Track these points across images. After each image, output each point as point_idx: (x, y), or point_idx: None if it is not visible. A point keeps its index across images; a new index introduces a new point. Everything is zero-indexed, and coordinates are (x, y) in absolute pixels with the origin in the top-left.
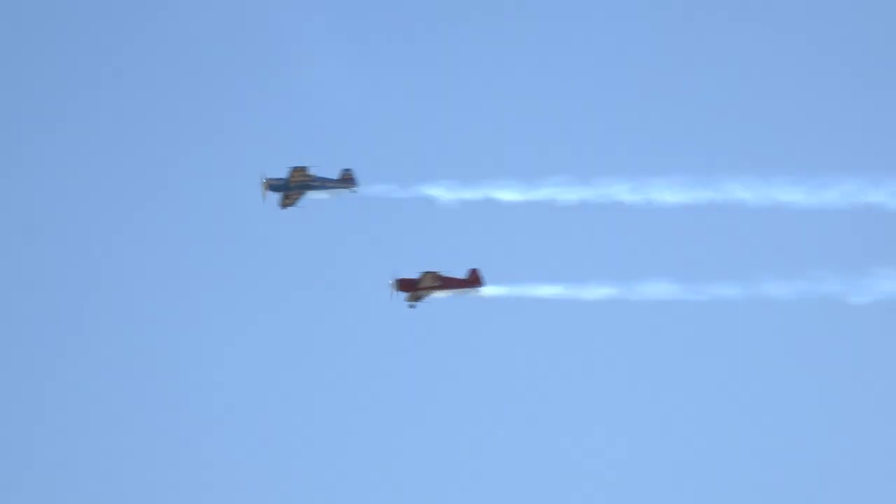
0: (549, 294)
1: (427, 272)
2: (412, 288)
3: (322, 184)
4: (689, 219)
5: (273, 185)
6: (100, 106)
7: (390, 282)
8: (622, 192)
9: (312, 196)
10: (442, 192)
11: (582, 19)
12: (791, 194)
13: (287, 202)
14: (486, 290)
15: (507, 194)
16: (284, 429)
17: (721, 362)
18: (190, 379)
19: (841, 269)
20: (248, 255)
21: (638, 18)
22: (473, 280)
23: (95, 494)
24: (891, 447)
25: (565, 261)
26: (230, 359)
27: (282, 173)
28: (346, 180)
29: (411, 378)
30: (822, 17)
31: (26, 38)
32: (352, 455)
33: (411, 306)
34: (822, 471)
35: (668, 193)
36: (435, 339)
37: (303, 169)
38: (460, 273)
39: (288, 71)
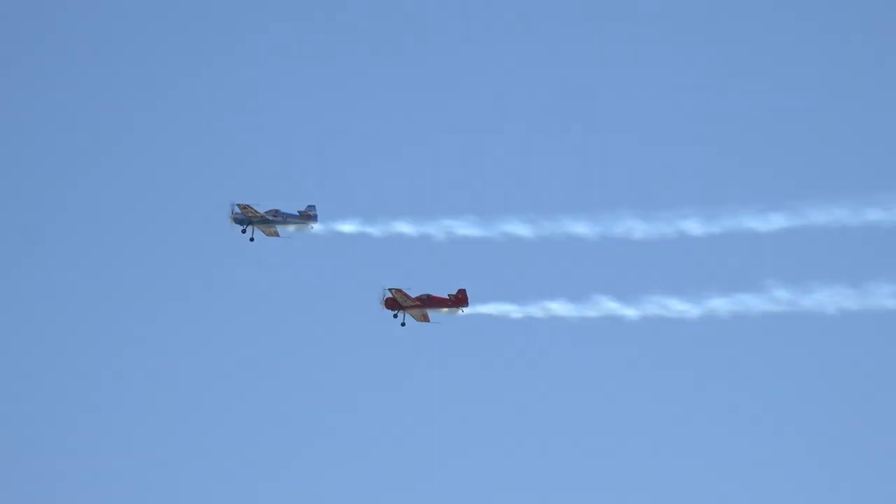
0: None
1: (392, 288)
2: (397, 306)
3: (284, 219)
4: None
5: (237, 219)
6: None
7: (381, 299)
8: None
9: (280, 229)
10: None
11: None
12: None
13: (267, 232)
14: (471, 309)
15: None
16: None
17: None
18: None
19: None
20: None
21: None
22: (459, 299)
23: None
24: None
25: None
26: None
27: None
28: (308, 217)
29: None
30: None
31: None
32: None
33: (395, 316)
34: None
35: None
36: (429, 355)
37: (246, 206)
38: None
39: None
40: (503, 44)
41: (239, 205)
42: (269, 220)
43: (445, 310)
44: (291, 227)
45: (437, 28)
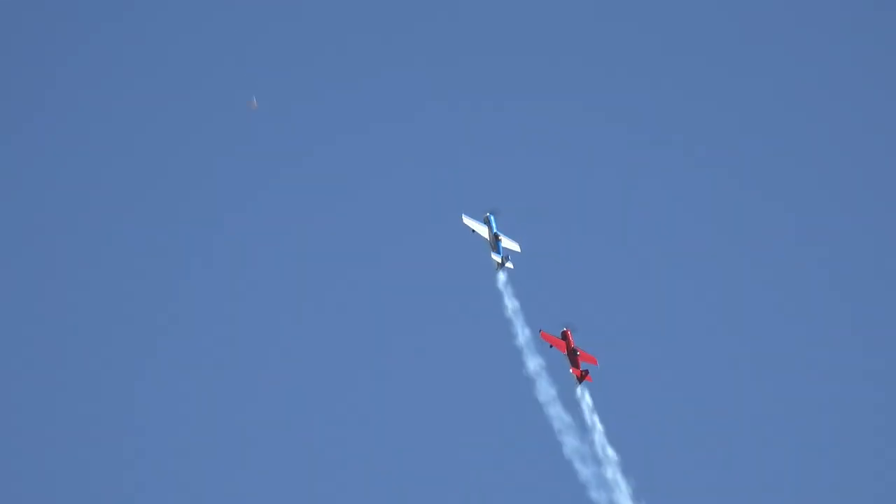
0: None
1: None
2: (555, 341)
3: (495, 248)
4: None
5: (484, 219)
6: None
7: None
8: None
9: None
10: None
11: None
12: None
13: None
14: (581, 387)
15: None
16: None
17: None
18: None
19: None
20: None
21: None
22: (582, 374)
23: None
24: None
25: None
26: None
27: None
28: (504, 263)
29: None
30: None
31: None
32: None
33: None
34: None
35: None
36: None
37: (497, 234)
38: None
39: None
40: None
41: (490, 223)
42: (492, 239)
43: (572, 369)
44: (495, 257)
45: None
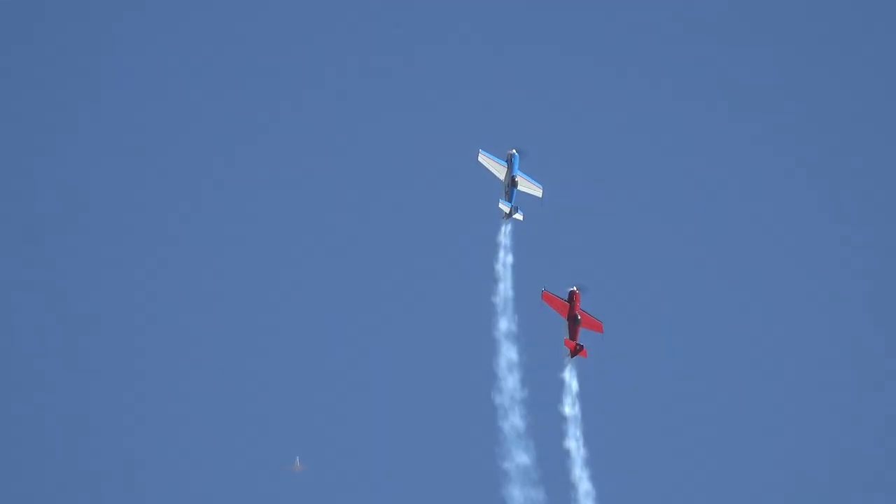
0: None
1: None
2: (555, 301)
3: (508, 193)
4: None
5: (506, 158)
6: None
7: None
8: None
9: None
10: None
11: None
12: None
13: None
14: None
15: None
16: None
17: None
18: None
19: None
20: None
21: None
22: (579, 350)
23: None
24: None
25: None
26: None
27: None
28: (513, 212)
29: None
30: None
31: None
32: None
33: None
34: None
35: None
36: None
37: (514, 177)
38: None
39: None
40: None
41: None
42: (509, 182)
43: (566, 340)
44: (503, 207)
45: None
